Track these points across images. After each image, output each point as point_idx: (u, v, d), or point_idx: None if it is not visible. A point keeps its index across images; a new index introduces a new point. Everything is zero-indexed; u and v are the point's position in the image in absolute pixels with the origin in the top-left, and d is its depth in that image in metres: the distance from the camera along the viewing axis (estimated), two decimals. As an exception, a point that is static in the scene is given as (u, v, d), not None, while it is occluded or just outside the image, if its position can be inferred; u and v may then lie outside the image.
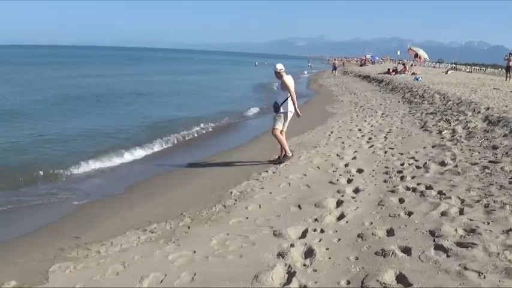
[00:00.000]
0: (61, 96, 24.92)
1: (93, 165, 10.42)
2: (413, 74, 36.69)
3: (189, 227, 6.10)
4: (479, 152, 8.86)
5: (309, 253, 4.78)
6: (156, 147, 12.78)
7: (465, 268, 4.03)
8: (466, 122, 12.25)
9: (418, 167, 8.35)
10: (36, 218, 7.32)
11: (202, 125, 16.20)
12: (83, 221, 7.10)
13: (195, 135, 14.97)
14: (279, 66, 9.67)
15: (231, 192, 7.65)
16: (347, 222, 5.69)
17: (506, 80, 32.42)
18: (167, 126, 15.85)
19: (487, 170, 7.42)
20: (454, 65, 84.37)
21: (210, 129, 16.04)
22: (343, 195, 6.89)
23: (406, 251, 4.59)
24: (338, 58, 63.33)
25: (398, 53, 75.39)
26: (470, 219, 5.26)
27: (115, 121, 17.23)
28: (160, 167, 10.56)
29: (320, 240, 5.11)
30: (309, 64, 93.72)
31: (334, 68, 57.39)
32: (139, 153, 12.01)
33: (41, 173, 9.47)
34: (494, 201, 5.82)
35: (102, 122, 16.75)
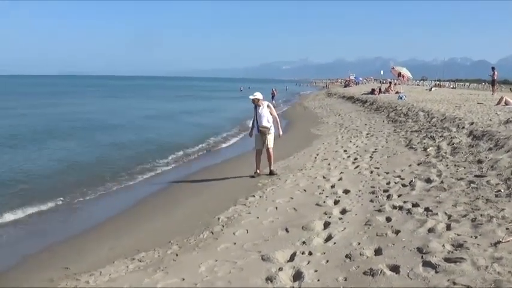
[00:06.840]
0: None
1: (80, 196, 10.36)
2: (397, 92, 37.00)
3: (177, 255, 6.05)
4: (464, 167, 8.90)
5: (298, 276, 4.75)
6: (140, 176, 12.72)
7: (454, 283, 4.01)
8: (451, 138, 12.33)
9: (404, 185, 8.37)
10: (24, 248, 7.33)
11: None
12: (72, 251, 7.05)
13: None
14: (259, 96, 11.26)
15: (219, 218, 7.61)
16: (335, 243, 5.66)
17: (492, 94, 32.41)
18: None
19: (473, 185, 7.44)
20: (438, 82, 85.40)
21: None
22: (330, 217, 6.87)
23: (395, 269, 4.57)
24: (274, 87, 59.14)
25: (382, 72, 75.95)
26: (458, 234, 5.26)
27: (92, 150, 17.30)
28: (146, 195, 10.51)
29: (308, 263, 5.08)
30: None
31: (272, 97, 48.68)
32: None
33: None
34: (481, 215, 5.81)
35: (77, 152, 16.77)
